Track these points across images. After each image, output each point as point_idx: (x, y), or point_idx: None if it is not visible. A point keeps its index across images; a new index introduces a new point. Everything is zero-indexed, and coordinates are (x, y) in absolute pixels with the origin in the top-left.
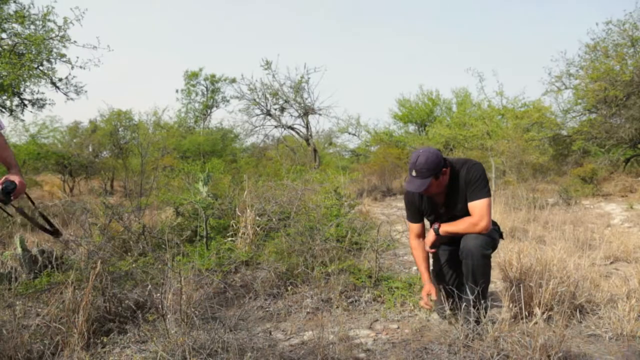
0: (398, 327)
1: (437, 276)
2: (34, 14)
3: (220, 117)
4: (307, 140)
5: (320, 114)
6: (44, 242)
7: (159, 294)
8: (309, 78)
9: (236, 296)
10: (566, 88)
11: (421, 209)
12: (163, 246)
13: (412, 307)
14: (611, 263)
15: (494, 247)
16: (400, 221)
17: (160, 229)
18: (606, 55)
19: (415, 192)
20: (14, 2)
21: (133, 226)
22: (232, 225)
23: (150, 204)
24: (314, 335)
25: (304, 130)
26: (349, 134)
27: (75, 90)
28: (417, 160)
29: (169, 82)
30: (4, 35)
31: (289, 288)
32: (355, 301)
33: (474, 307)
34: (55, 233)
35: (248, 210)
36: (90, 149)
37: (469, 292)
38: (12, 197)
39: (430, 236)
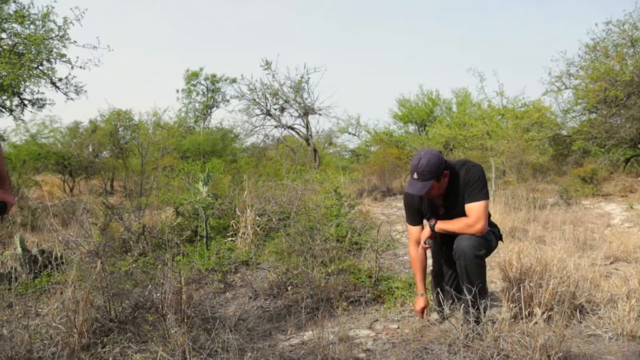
0: (398, 327)
1: (437, 276)
2: (33, 14)
3: (220, 117)
4: (307, 140)
5: (320, 114)
6: (44, 242)
7: (159, 294)
8: (309, 78)
9: (236, 296)
10: (566, 88)
11: (421, 210)
12: (163, 246)
13: (412, 307)
14: (611, 263)
15: (488, 248)
16: (400, 221)
17: (160, 229)
18: (606, 56)
19: (418, 194)
20: (14, 1)
21: (133, 226)
22: (232, 225)
23: (150, 204)
24: (314, 335)
25: (304, 130)
26: (349, 134)
27: (75, 90)
28: (419, 163)
29: (169, 82)
30: (3, 35)
31: (289, 288)
32: (355, 301)
33: (472, 307)
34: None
35: (248, 210)
36: (90, 149)
37: (466, 293)
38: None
39: (426, 231)
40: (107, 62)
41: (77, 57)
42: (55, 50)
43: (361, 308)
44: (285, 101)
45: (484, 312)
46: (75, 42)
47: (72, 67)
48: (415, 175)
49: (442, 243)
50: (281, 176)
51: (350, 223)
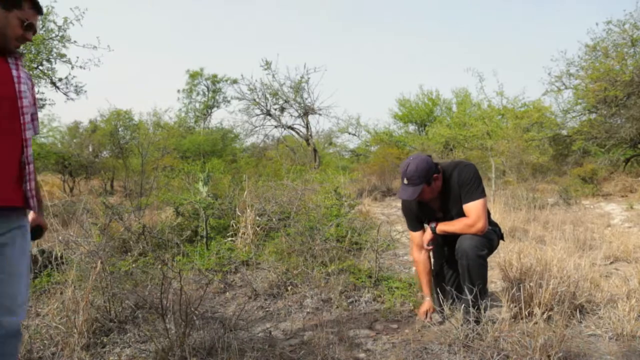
0: (398, 327)
1: (437, 276)
2: None
3: (220, 117)
4: (307, 140)
5: (320, 114)
6: (44, 242)
7: (159, 294)
8: (308, 78)
9: (236, 296)
10: (566, 88)
11: (419, 215)
12: (163, 246)
13: (412, 307)
14: (611, 263)
15: (490, 248)
16: (400, 221)
17: (160, 229)
18: (606, 55)
19: (409, 199)
20: None
21: (133, 226)
22: (232, 225)
23: (150, 204)
24: (314, 335)
25: (304, 130)
26: (349, 134)
27: (75, 90)
28: (407, 169)
29: (169, 82)
30: None
31: (289, 288)
32: (355, 301)
33: (473, 307)
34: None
35: (248, 210)
36: (90, 149)
37: (467, 293)
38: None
39: (427, 234)
40: (107, 62)
41: (77, 57)
42: (55, 50)
43: (361, 308)
44: (285, 101)
45: (484, 312)
46: (75, 42)
47: (72, 67)
48: (405, 181)
49: (443, 244)
50: (281, 176)
51: (350, 223)
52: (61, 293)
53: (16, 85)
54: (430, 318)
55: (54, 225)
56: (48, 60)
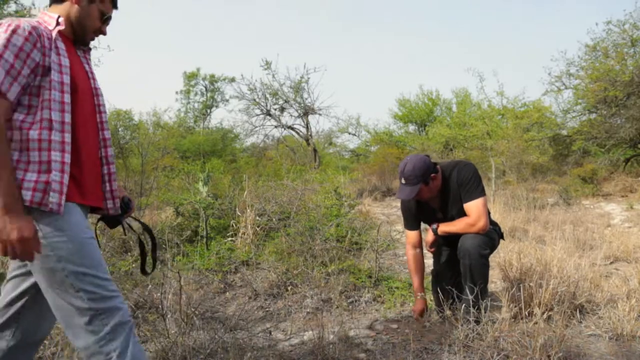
0: (398, 327)
1: (437, 276)
2: (33, 15)
3: (220, 116)
4: (307, 140)
5: (320, 114)
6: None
7: (159, 294)
8: (308, 78)
9: (236, 296)
10: (566, 88)
11: (418, 215)
12: (163, 246)
13: (412, 309)
14: (611, 263)
15: (492, 247)
16: (400, 221)
17: (160, 229)
18: (606, 56)
19: (407, 199)
20: (15, 2)
21: (133, 226)
22: (232, 225)
23: (150, 204)
24: (314, 335)
25: (304, 130)
26: (349, 134)
27: None
28: (404, 168)
29: (168, 82)
30: None
31: (289, 288)
32: (355, 301)
33: (473, 307)
34: (143, 271)
35: (248, 210)
36: None
37: (468, 292)
38: (125, 215)
39: (429, 236)
40: (107, 62)
41: None
42: None
43: (361, 308)
44: (285, 101)
45: (484, 312)
46: None
47: None
48: (403, 181)
49: (443, 244)
50: (281, 176)
51: (350, 223)
52: None
53: (91, 82)
54: (427, 317)
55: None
56: None
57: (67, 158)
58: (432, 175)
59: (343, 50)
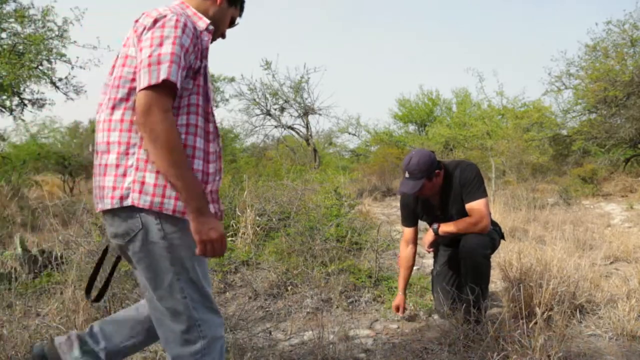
0: (398, 327)
1: (437, 276)
2: (33, 14)
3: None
4: (307, 140)
5: (320, 114)
6: (44, 242)
7: None
8: (308, 78)
9: (236, 296)
10: (566, 88)
11: (416, 212)
12: None
13: (413, 307)
14: (611, 263)
15: (493, 247)
16: (400, 221)
17: None
18: (606, 56)
19: (409, 193)
20: (14, 1)
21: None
22: (232, 225)
23: None
24: (314, 335)
25: (304, 130)
26: (349, 134)
27: (74, 90)
28: (409, 162)
29: None
30: (3, 35)
31: (289, 288)
32: (355, 301)
33: (474, 307)
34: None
35: (248, 210)
36: (91, 149)
37: (469, 293)
38: None
39: (429, 236)
40: (107, 62)
41: (77, 57)
42: (55, 50)
43: (361, 308)
44: (285, 101)
45: (484, 312)
46: (75, 42)
47: (72, 67)
48: (406, 175)
49: (443, 244)
50: (281, 176)
51: (350, 223)
52: (61, 293)
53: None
54: (403, 312)
55: (54, 225)
56: (48, 60)
57: (212, 168)
58: (436, 171)
59: (343, 50)
